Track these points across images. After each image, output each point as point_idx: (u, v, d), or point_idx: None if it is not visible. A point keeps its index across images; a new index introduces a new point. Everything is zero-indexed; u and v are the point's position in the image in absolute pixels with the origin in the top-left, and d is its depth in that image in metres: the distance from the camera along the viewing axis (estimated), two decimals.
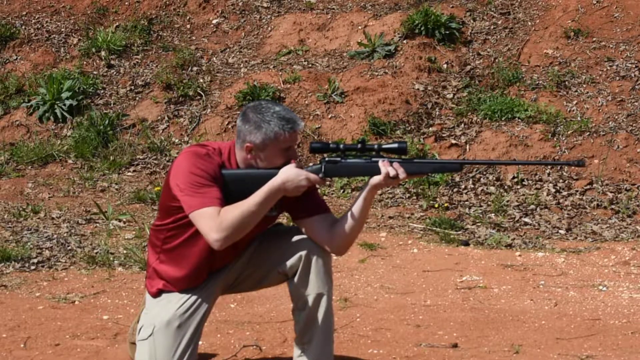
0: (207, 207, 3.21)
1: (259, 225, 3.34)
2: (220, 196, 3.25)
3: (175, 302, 3.41)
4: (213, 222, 3.20)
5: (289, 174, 3.26)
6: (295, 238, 3.44)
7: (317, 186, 3.43)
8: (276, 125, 3.29)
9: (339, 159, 3.36)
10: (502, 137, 7.68)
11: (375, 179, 3.31)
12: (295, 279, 3.42)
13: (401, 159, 3.34)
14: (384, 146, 3.34)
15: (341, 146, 3.36)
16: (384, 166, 3.29)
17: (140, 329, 3.48)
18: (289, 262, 3.42)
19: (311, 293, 3.41)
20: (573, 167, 7.36)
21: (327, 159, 3.36)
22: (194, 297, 3.42)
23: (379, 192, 7.19)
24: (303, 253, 3.40)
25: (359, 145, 3.35)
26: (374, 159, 3.33)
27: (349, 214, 3.38)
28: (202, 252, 3.36)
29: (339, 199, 7.07)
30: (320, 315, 3.43)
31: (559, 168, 7.40)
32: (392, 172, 3.29)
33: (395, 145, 3.33)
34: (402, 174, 3.30)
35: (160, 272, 3.44)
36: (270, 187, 3.25)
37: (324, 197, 7.06)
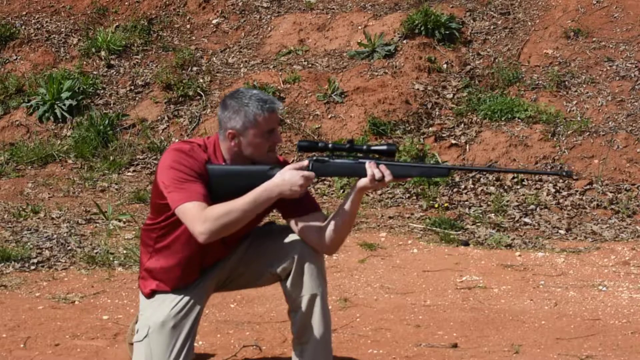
0: (191, 202, 3.20)
1: (249, 223, 3.33)
2: (204, 191, 3.24)
3: (168, 303, 3.41)
4: (198, 215, 3.18)
5: (284, 175, 3.25)
6: (288, 239, 3.43)
7: (312, 185, 3.41)
8: (254, 106, 3.28)
9: (327, 158, 3.35)
10: (502, 137, 7.68)
11: (362, 182, 3.29)
12: (289, 280, 3.42)
13: (389, 161, 3.32)
14: (372, 147, 3.32)
15: (330, 145, 3.35)
16: (369, 168, 3.27)
17: (137, 330, 3.48)
18: (282, 264, 3.41)
19: (305, 294, 3.40)
20: (573, 169, 7.36)
21: (315, 157, 3.35)
22: (187, 297, 3.42)
23: (379, 191, 7.19)
24: (295, 254, 3.39)
25: (347, 145, 3.34)
26: (362, 160, 3.31)
27: (337, 215, 3.36)
28: (194, 248, 3.35)
29: (339, 198, 7.07)
30: (316, 315, 3.42)
31: (559, 167, 7.40)
32: (377, 175, 3.26)
33: (384, 147, 3.31)
34: (387, 177, 3.27)
35: (153, 272, 3.44)
36: (264, 188, 3.24)
37: (324, 198, 7.07)
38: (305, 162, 3.32)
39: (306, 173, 3.26)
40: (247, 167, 3.33)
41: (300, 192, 3.26)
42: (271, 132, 3.33)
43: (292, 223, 3.43)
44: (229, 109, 3.32)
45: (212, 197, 3.26)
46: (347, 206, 3.35)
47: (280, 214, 3.49)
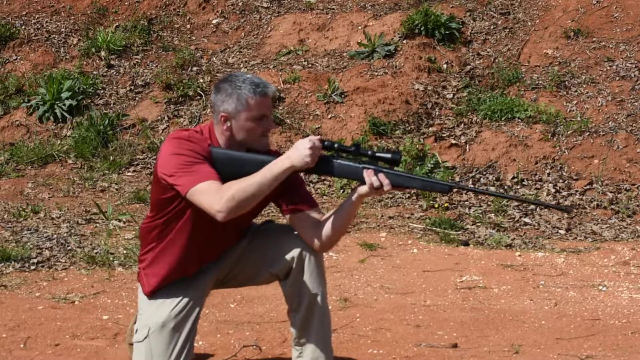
0: (204, 182, 3.18)
1: (252, 210, 3.32)
2: (214, 171, 3.23)
3: (168, 304, 3.40)
4: (214, 194, 3.16)
5: (294, 147, 3.22)
6: (288, 238, 3.43)
7: (313, 185, 3.40)
8: (247, 89, 3.28)
9: (330, 157, 3.35)
10: (502, 137, 7.68)
11: (362, 189, 3.28)
12: (289, 280, 3.41)
13: (392, 170, 3.31)
14: (377, 154, 3.31)
15: (335, 145, 3.35)
16: (368, 176, 3.26)
17: (136, 330, 3.47)
18: (281, 263, 3.41)
19: (305, 294, 3.39)
20: (573, 169, 7.37)
21: (320, 155, 3.35)
22: (187, 298, 3.41)
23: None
24: (295, 254, 3.39)
25: (353, 148, 3.33)
26: (364, 165, 3.29)
27: (335, 216, 3.36)
28: (195, 239, 3.34)
29: (339, 199, 7.07)
30: (316, 315, 3.42)
31: (559, 167, 7.40)
32: (375, 183, 3.25)
33: (389, 155, 3.29)
34: (386, 186, 3.26)
35: (154, 267, 3.42)
36: (276, 160, 3.22)
37: (324, 198, 7.07)
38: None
39: (314, 141, 3.23)
40: (253, 155, 3.32)
41: (312, 159, 3.22)
42: (263, 118, 3.32)
43: (289, 218, 3.43)
44: (221, 92, 3.32)
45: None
46: (345, 208, 3.35)
47: (279, 211, 3.48)
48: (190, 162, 3.22)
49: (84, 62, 9.09)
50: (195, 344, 3.48)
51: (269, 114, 3.35)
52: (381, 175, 3.26)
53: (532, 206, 6.88)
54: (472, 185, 7.24)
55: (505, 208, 6.85)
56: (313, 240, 3.39)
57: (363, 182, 3.29)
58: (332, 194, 7.23)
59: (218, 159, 3.30)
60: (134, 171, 7.77)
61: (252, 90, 3.28)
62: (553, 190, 7.14)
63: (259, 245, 3.48)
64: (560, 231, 6.53)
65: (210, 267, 3.49)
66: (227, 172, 3.27)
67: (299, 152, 3.21)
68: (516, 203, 6.90)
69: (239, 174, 3.25)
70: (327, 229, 3.37)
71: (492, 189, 7.18)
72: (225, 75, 3.42)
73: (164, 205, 3.35)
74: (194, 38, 9.42)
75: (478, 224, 6.58)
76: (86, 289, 5.11)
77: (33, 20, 9.64)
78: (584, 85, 8.21)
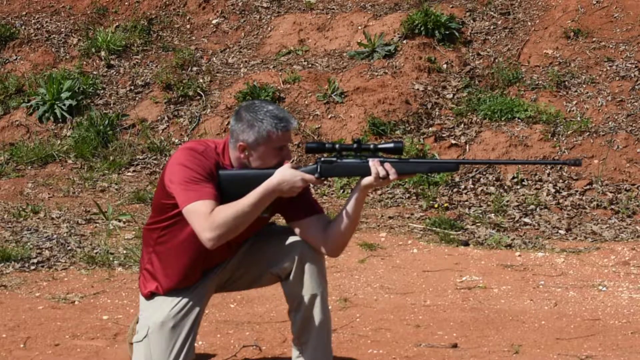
0: (200, 201, 3.19)
1: (251, 226, 3.33)
2: (215, 192, 3.24)
3: (168, 303, 3.40)
4: (206, 220, 3.18)
5: (284, 175, 3.25)
6: (288, 239, 3.43)
7: (314, 186, 3.42)
8: (269, 124, 3.27)
9: (334, 159, 3.35)
10: (502, 137, 7.67)
11: (366, 180, 3.30)
12: (289, 280, 3.42)
13: (397, 159, 3.33)
14: (379, 146, 3.32)
15: (337, 146, 3.35)
16: (374, 166, 3.27)
17: (137, 331, 3.48)
18: (282, 264, 3.41)
19: (306, 294, 3.40)
20: (572, 167, 7.36)
21: (322, 159, 3.35)
22: (186, 298, 3.41)
23: (378, 191, 7.20)
24: (296, 254, 3.39)
25: (355, 145, 3.34)
26: (369, 159, 3.31)
27: (342, 215, 3.36)
28: (197, 252, 3.34)
29: (339, 199, 7.07)
30: (316, 315, 3.42)
31: (558, 168, 7.40)
32: (381, 172, 3.27)
33: (391, 145, 3.31)
34: (392, 175, 3.28)
35: (154, 273, 3.43)
36: (265, 187, 3.24)
37: (323, 198, 7.07)
38: (313, 166, 3.34)
39: (306, 176, 3.27)
40: (258, 172, 3.32)
41: (298, 190, 3.28)
42: (281, 149, 3.34)
43: (296, 226, 3.43)
44: (242, 122, 3.31)
45: (223, 202, 3.26)
46: (351, 205, 3.35)
47: (283, 218, 3.49)
48: (196, 179, 3.24)
49: (84, 62, 9.09)
50: (195, 344, 3.48)
51: (287, 145, 3.35)
52: (387, 165, 3.28)
53: (532, 206, 6.88)
54: (471, 185, 7.25)
55: (505, 208, 6.85)
56: (324, 246, 3.39)
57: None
58: (332, 194, 7.23)
59: (225, 181, 3.31)
60: (134, 171, 7.77)
61: (274, 125, 3.28)
62: (553, 191, 7.13)
63: (261, 248, 3.49)
64: (560, 231, 6.53)
65: (213, 270, 3.49)
66: (234, 191, 3.28)
67: (288, 185, 3.24)
68: (516, 203, 6.90)
69: (246, 192, 3.26)
70: (336, 231, 3.38)
71: (492, 189, 7.18)
72: (247, 102, 3.40)
73: (165, 209, 3.35)
74: (194, 38, 9.42)
75: (478, 224, 6.58)
76: (86, 289, 5.11)
77: (33, 20, 9.64)
78: (584, 85, 8.21)
